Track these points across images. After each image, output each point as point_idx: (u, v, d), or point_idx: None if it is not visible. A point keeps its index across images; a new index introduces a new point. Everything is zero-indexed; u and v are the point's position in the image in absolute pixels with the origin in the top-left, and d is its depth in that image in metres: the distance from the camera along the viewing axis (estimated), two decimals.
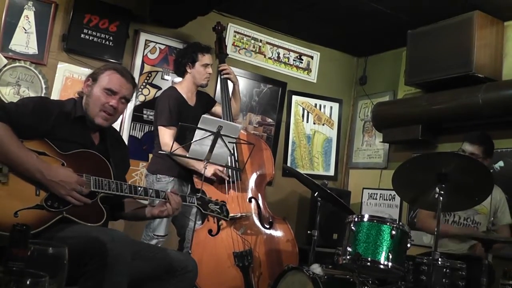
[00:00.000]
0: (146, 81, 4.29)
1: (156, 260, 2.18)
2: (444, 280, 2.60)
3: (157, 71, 4.34)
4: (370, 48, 5.14)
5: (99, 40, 4.01)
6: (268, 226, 3.53)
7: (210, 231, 3.37)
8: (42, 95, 3.77)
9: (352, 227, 2.67)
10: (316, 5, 4.24)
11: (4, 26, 3.71)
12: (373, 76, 5.20)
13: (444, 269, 2.61)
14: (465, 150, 3.25)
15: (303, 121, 5.13)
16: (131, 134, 4.20)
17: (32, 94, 3.74)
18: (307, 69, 5.15)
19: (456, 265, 2.65)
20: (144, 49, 4.28)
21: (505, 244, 3.16)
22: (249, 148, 3.43)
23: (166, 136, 3.37)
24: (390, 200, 4.68)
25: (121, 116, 3.00)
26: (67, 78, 3.94)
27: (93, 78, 2.28)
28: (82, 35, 3.95)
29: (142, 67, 4.28)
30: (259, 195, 3.60)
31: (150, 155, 3.73)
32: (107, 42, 4.04)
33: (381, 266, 2.56)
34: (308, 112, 5.16)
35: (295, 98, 5.07)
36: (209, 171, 3.28)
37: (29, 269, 1.06)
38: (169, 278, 2.16)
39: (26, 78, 3.77)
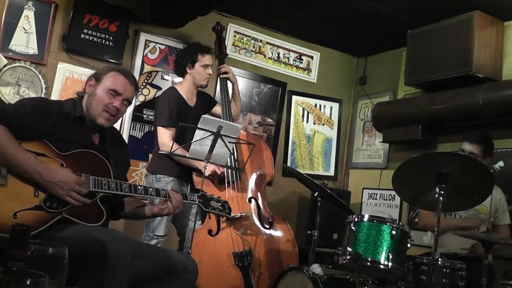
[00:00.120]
0: (146, 81, 4.29)
1: (156, 261, 2.17)
2: (444, 280, 2.60)
3: (157, 71, 4.34)
4: (370, 48, 5.14)
5: (99, 40, 4.01)
6: (268, 226, 3.53)
7: (210, 231, 3.37)
8: (42, 95, 3.77)
9: (352, 227, 2.67)
10: (316, 5, 4.24)
11: (4, 26, 3.71)
12: (373, 76, 5.20)
13: (444, 269, 2.61)
14: (465, 149, 3.25)
15: (303, 121, 5.13)
16: (131, 134, 4.20)
17: (32, 94, 3.74)
18: (307, 69, 5.15)
19: (456, 265, 2.65)
20: (144, 49, 4.28)
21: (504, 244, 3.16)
22: (249, 148, 3.43)
23: (165, 136, 3.37)
24: (390, 200, 4.68)
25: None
26: (67, 78, 3.94)
27: (96, 78, 2.28)
28: (82, 35, 3.95)
29: (142, 67, 4.28)
30: (259, 195, 3.60)
31: (150, 155, 3.73)
32: (107, 42, 4.04)
33: (381, 266, 2.56)
34: (308, 112, 5.16)
35: (295, 98, 5.07)
36: (208, 170, 3.28)
37: (29, 269, 1.06)
38: (169, 278, 2.16)
39: (26, 78, 3.77)
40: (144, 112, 4.25)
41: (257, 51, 4.87)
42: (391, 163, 4.76)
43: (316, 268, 2.76)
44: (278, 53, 4.98)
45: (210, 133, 2.88)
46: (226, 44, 4.11)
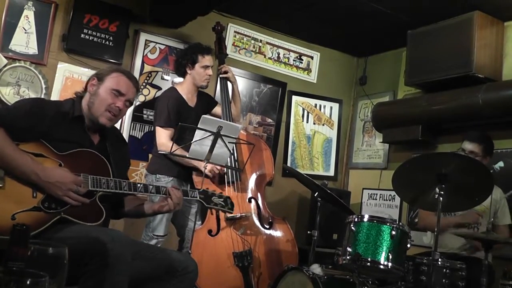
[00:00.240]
0: (146, 81, 4.29)
1: (156, 261, 2.17)
2: (444, 280, 2.60)
3: (157, 71, 4.34)
4: (370, 48, 5.14)
5: (99, 40, 4.01)
6: (268, 226, 3.53)
7: (210, 231, 3.37)
8: (42, 95, 3.77)
9: (352, 227, 2.67)
10: (315, 5, 4.24)
11: (4, 26, 3.71)
12: (373, 76, 5.20)
13: (444, 269, 2.61)
14: (465, 148, 3.26)
15: (303, 121, 5.13)
16: (131, 134, 4.20)
17: (32, 94, 3.74)
18: (307, 69, 5.15)
19: (456, 265, 2.65)
20: (144, 49, 4.28)
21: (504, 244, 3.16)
22: (249, 148, 3.43)
23: (163, 136, 3.37)
24: (390, 200, 4.68)
25: None
26: (67, 78, 3.94)
27: (99, 78, 2.28)
28: (82, 35, 3.95)
29: (142, 67, 4.28)
30: (259, 195, 3.60)
31: (150, 155, 3.73)
32: (107, 42, 4.04)
33: (381, 267, 2.56)
34: (308, 112, 5.16)
35: (295, 98, 5.07)
36: (207, 169, 3.28)
37: (29, 269, 1.06)
38: (170, 278, 2.16)
39: (26, 78, 3.77)
40: (144, 112, 4.25)
41: (257, 51, 4.87)
42: (391, 164, 4.76)
43: (316, 268, 2.77)
44: (278, 53, 4.98)
45: (210, 133, 2.88)
46: (226, 44, 4.11)
